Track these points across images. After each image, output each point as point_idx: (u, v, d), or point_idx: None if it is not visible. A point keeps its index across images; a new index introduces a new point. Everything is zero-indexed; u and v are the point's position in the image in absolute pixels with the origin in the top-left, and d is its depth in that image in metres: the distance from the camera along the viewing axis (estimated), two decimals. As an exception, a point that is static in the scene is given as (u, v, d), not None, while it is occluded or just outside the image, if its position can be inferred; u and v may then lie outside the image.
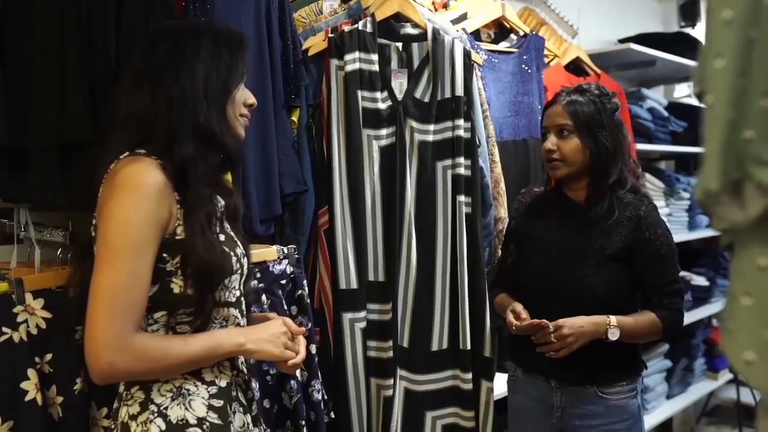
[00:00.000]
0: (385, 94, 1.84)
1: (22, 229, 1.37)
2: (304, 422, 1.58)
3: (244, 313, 1.17)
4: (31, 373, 1.17)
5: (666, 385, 3.06)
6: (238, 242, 1.14)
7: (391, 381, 1.79)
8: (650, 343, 2.85)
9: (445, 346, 1.87)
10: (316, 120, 1.82)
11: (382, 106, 1.83)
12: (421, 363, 1.86)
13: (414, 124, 1.86)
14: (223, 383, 1.10)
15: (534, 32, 2.36)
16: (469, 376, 1.85)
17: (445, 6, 2.19)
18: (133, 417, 1.03)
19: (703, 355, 3.41)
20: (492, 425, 1.87)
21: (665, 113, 3.06)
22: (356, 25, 1.83)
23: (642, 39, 3.03)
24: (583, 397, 1.56)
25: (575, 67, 2.57)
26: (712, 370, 3.44)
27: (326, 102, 1.80)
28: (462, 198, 1.86)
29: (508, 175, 2.09)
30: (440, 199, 1.87)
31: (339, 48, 1.80)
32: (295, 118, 1.79)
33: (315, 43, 1.81)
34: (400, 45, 1.88)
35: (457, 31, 2.03)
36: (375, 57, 1.82)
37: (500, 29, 2.34)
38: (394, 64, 1.88)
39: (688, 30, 3.64)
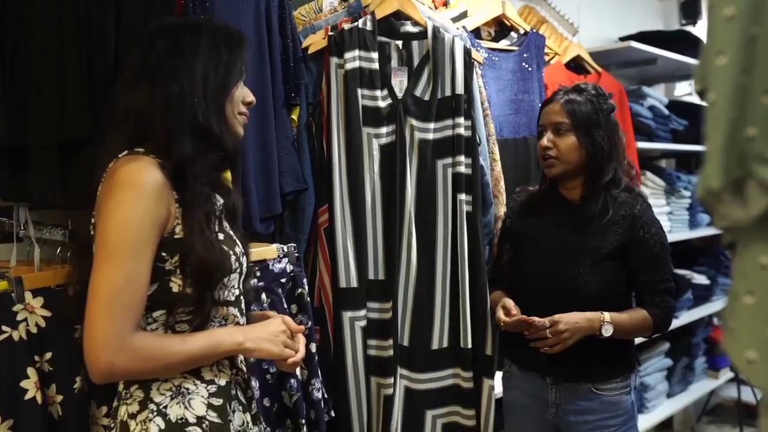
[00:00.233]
0: (385, 92, 1.84)
1: (22, 228, 1.37)
2: (304, 421, 1.58)
3: (244, 311, 1.17)
4: (30, 371, 1.17)
5: (667, 383, 3.06)
6: (237, 241, 1.14)
7: (392, 380, 1.79)
8: (650, 341, 2.88)
9: (445, 344, 1.86)
10: (315, 118, 1.82)
11: (382, 104, 1.83)
12: (421, 362, 1.86)
13: (414, 122, 1.86)
14: (222, 382, 1.10)
15: (534, 30, 2.35)
16: (470, 374, 1.85)
17: (446, 4, 2.18)
18: (133, 416, 1.03)
19: (703, 353, 3.41)
20: (494, 423, 1.87)
21: (666, 111, 3.06)
22: (356, 23, 1.82)
23: (643, 37, 3.02)
24: (578, 394, 1.58)
25: (576, 65, 2.57)
26: (713, 369, 3.44)
27: (326, 100, 1.80)
28: (462, 196, 1.86)
29: (509, 173, 2.09)
30: (440, 198, 1.87)
31: (339, 46, 1.79)
32: (294, 117, 1.78)
33: (315, 41, 1.81)
34: (400, 43, 1.87)
35: (458, 29, 2.02)
36: (375, 55, 1.82)
37: (500, 27, 2.34)
38: (394, 62, 1.88)
39: (689, 28, 3.64)
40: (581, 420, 1.58)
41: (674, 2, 3.81)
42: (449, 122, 1.86)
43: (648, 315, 1.56)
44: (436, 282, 1.86)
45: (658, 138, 2.99)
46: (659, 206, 2.97)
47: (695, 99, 3.43)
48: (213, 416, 1.06)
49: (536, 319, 1.51)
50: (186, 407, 1.04)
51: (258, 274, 1.53)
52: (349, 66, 1.78)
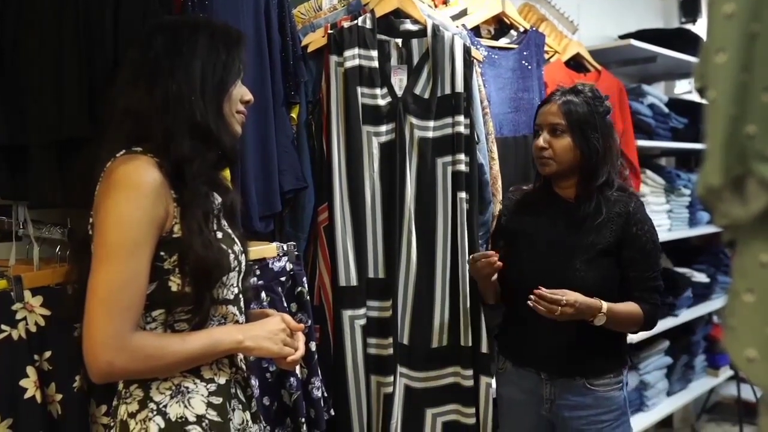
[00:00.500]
0: (385, 90, 1.84)
1: (21, 227, 1.37)
2: (303, 419, 1.58)
3: (243, 310, 1.17)
4: (30, 370, 1.17)
5: (666, 381, 3.06)
6: (236, 239, 1.13)
7: (391, 378, 1.79)
8: (650, 340, 2.88)
9: (445, 343, 1.86)
10: (315, 117, 1.82)
11: (381, 102, 1.83)
12: (421, 360, 1.86)
13: (414, 120, 1.85)
14: (222, 380, 1.10)
15: (534, 28, 2.35)
16: (470, 372, 1.86)
17: (445, 2, 2.18)
18: (132, 415, 1.03)
19: (703, 351, 3.41)
20: (492, 420, 1.87)
21: (666, 109, 3.05)
22: (356, 22, 1.82)
23: (642, 35, 3.02)
24: (572, 389, 1.60)
25: (575, 63, 2.57)
26: (713, 367, 3.44)
27: (326, 98, 1.80)
28: (462, 195, 1.86)
29: (508, 171, 2.09)
30: (440, 196, 1.86)
31: (338, 44, 1.79)
32: (294, 115, 1.78)
33: (314, 40, 1.81)
34: (399, 41, 1.87)
35: (457, 27, 2.02)
36: (374, 53, 1.82)
37: (500, 25, 2.33)
38: (393, 61, 1.87)
39: (689, 26, 3.63)
40: (575, 415, 1.60)
41: (674, 0, 3.80)
42: (449, 120, 1.86)
43: (640, 311, 1.58)
44: (436, 280, 1.86)
45: (658, 136, 2.98)
46: (659, 204, 2.97)
47: (695, 97, 3.43)
48: (213, 415, 1.06)
49: (547, 292, 1.48)
50: (186, 406, 1.04)
51: (258, 272, 1.53)
52: (348, 64, 1.78)
